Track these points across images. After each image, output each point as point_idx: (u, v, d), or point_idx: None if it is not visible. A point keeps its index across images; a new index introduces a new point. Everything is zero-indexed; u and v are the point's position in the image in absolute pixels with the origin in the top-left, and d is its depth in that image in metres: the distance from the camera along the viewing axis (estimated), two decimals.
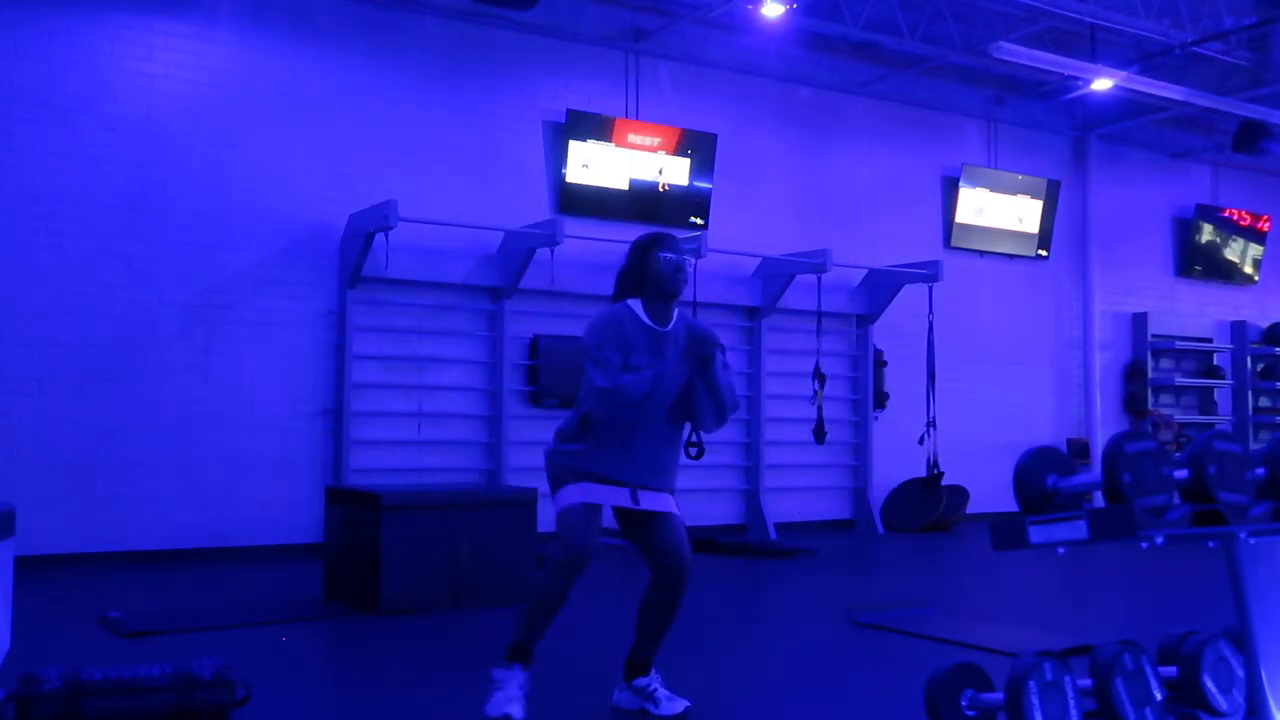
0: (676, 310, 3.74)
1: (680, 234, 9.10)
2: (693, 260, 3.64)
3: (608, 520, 3.75)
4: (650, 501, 3.68)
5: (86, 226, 7.45)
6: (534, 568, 6.05)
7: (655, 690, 3.67)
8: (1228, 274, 13.12)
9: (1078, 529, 2.52)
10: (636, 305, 3.69)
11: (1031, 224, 11.55)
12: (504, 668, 3.55)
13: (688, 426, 3.83)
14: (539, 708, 3.84)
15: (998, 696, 2.89)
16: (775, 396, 9.79)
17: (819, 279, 9.48)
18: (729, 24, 9.39)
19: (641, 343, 3.62)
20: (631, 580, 7.66)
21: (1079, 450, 11.47)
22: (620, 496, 3.65)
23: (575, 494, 3.61)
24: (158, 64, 7.73)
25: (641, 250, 3.68)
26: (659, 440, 3.70)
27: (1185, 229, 12.81)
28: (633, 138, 9.25)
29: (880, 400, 10.32)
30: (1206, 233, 12.85)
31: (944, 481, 10.11)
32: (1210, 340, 12.89)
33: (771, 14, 8.66)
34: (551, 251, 8.18)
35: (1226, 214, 13.00)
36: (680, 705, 3.64)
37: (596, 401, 3.57)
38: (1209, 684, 2.98)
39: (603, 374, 3.53)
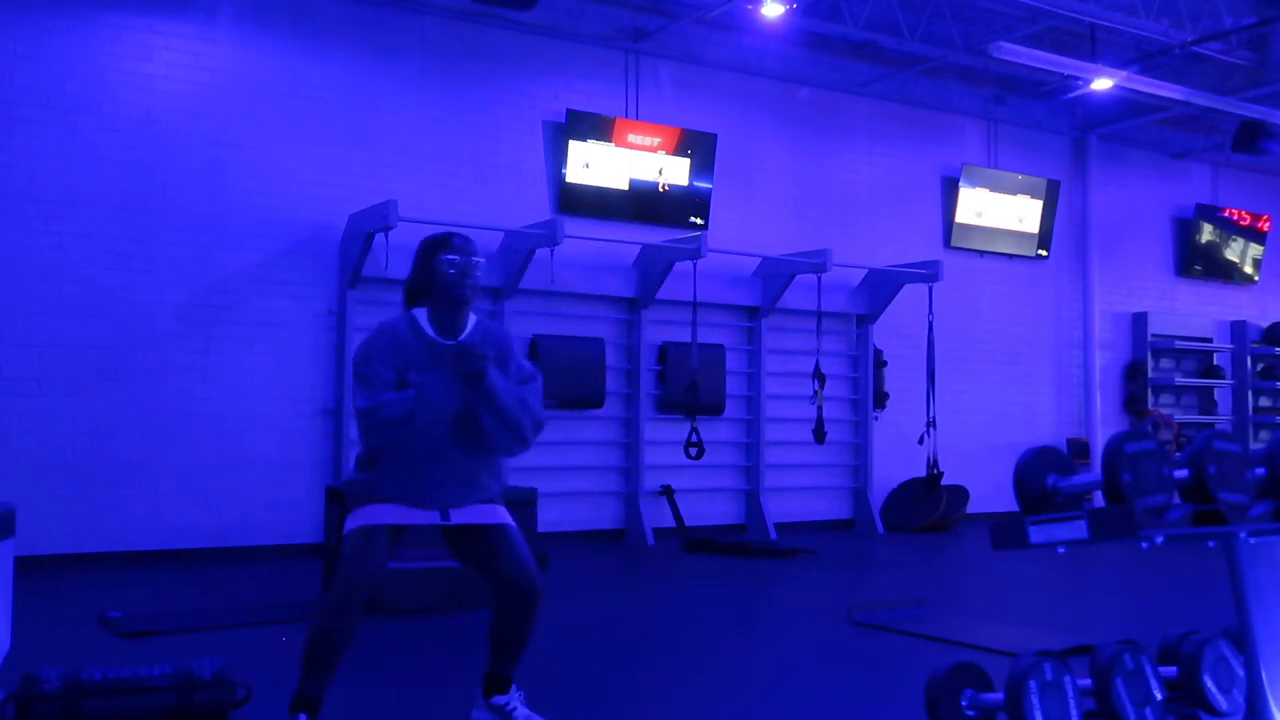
0: (473, 319, 3.39)
1: (680, 234, 9.12)
2: (479, 261, 3.35)
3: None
4: (467, 515, 3.29)
5: (86, 226, 7.45)
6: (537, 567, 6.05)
7: (514, 709, 3.38)
8: (1228, 274, 13.12)
9: (1078, 529, 2.52)
10: (421, 315, 3.34)
11: (1031, 224, 11.55)
12: None
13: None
14: (540, 706, 3.85)
15: (998, 696, 2.89)
16: (775, 396, 9.79)
17: (819, 279, 9.49)
18: (729, 24, 9.38)
19: (422, 357, 3.26)
20: (632, 580, 7.67)
21: (1079, 450, 11.47)
22: (426, 516, 3.25)
23: (359, 518, 3.22)
24: (158, 64, 7.73)
25: (425, 252, 3.33)
26: (452, 463, 3.28)
27: (1185, 229, 12.81)
28: (633, 138, 9.25)
29: (880, 400, 10.32)
30: (1206, 233, 12.85)
31: (944, 481, 10.10)
32: (1210, 340, 12.88)
33: (771, 14, 8.66)
34: (551, 251, 8.18)
35: (1226, 214, 13.00)
36: None
37: (361, 424, 3.22)
38: (1209, 684, 2.98)
39: (365, 393, 3.18)
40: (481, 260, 3.35)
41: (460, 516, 3.28)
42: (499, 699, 3.38)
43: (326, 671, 3.15)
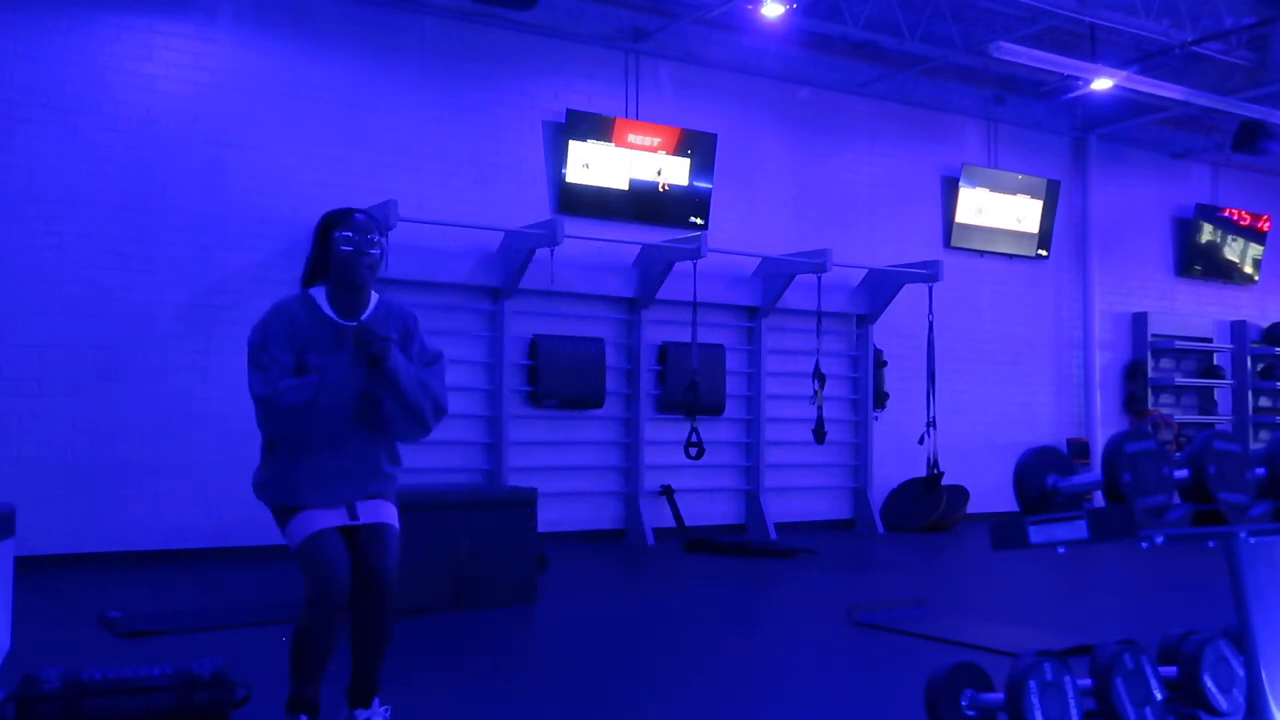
0: (375, 298, 3.24)
1: (680, 234, 9.12)
2: (380, 240, 3.18)
3: None
4: (368, 514, 3.20)
5: (86, 226, 7.45)
6: (535, 567, 6.06)
7: None
8: (1228, 274, 13.12)
9: (1078, 529, 2.52)
10: (320, 294, 3.18)
11: (1031, 224, 11.55)
12: None
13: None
14: (536, 706, 3.85)
15: (998, 696, 2.89)
16: (775, 396, 9.79)
17: (819, 279, 9.49)
18: (729, 24, 9.38)
19: (321, 339, 3.12)
20: (632, 580, 7.67)
21: (1079, 450, 11.48)
22: (338, 516, 3.16)
23: (303, 526, 3.11)
24: (158, 64, 7.73)
25: (322, 229, 3.16)
26: (354, 448, 3.18)
27: (1185, 229, 12.81)
28: (633, 138, 9.25)
29: (880, 400, 10.32)
30: (1206, 232, 12.85)
31: (944, 481, 10.10)
32: (1210, 340, 12.89)
33: (771, 14, 8.66)
34: (551, 251, 8.18)
35: (1226, 214, 13.00)
36: None
37: (259, 412, 3.08)
38: (1209, 684, 2.98)
39: (260, 379, 3.05)
40: (381, 239, 3.16)
41: (365, 515, 3.19)
42: (362, 713, 3.22)
43: (317, 674, 3.14)
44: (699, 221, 9.54)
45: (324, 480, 3.14)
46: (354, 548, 3.15)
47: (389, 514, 3.24)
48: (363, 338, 3.01)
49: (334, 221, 3.15)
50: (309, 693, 3.13)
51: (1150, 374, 12.29)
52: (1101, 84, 9.91)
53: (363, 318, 3.17)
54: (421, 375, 3.16)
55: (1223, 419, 12.90)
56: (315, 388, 3.03)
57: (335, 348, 3.10)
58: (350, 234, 3.11)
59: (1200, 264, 12.88)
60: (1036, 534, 2.62)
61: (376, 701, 3.23)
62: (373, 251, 3.13)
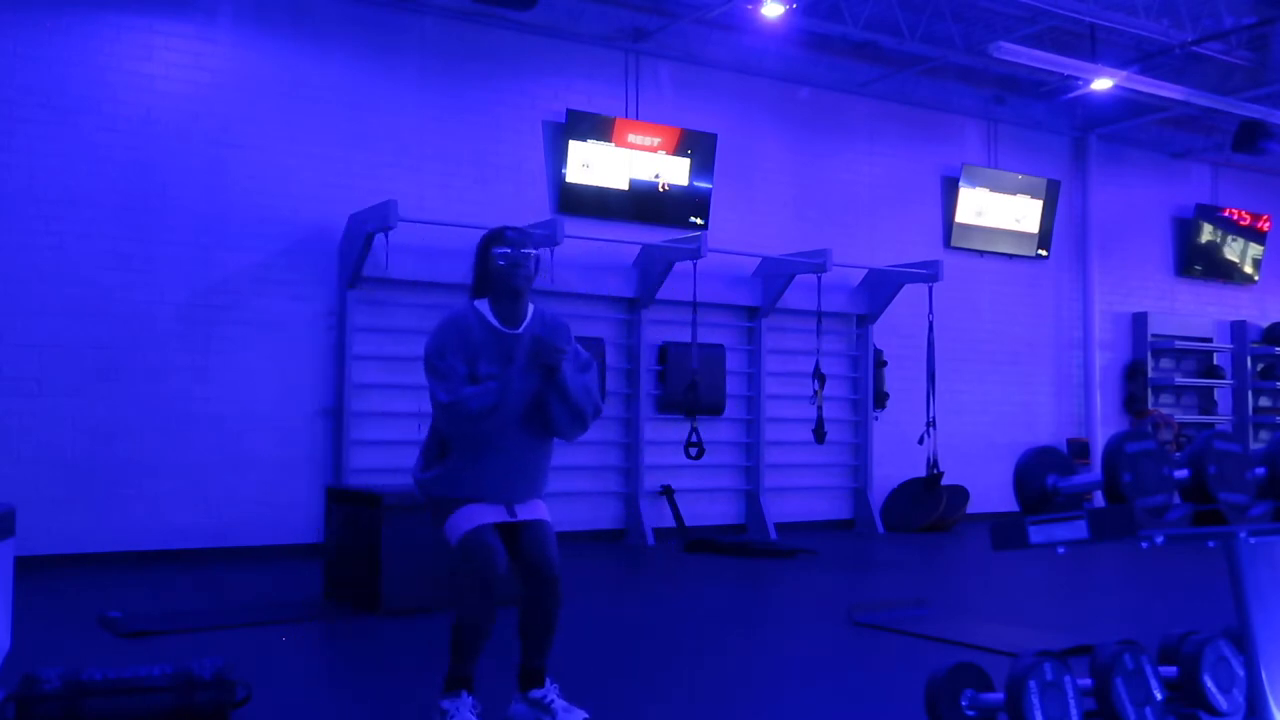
0: (531, 308, 3.53)
1: (680, 234, 9.12)
2: (534, 253, 3.46)
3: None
4: (525, 511, 3.50)
5: (86, 226, 7.45)
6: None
7: (551, 701, 3.48)
8: (1228, 274, 13.12)
9: (1078, 529, 2.52)
10: (484, 306, 3.48)
11: (1031, 224, 11.55)
12: (450, 698, 3.38)
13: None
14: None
15: (998, 696, 2.89)
16: (775, 396, 9.79)
17: (819, 279, 9.49)
18: (729, 24, 9.38)
19: (489, 348, 3.41)
20: (632, 580, 7.67)
21: (1079, 450, 11.48)
22: (498, 512, 3.44)
23: (464, 521, 3.37)
24: (158, 64, 7.73)
25: (482, 248, 3.49)
26: (522, 450, 3.47)
27: (1185, 229, 12.81)
28: (633, 138, 9.25)
29: (880, 400, 10.32)
30: (1206, 232, 12.85)
31: (944, 481, 10.10)
32: (1210, 340, 12.89)
33: (771, 14, 8.66)
34: (551, 251, 8.18)
35: (1226, 214, 13.00)
36: (579, 716, 3.46)
37: (441, 417, 3.37)
38: (1209, 684, 2.98)
39: (444, 387, 3.33)
40: (534, 252, 3.47)
41: (523, 513, 3.48)
42: (536, 692, 3.49)
43: (474, 654, 3.38)
44: (699, 221, 9.54)
45: (492, 479, 3.41)
46: (515, 544, 3.43)
47: (543, 510, 3.54)
48: (539, 350, 3.34)
49: (491, 239, 3.48)
50: (465, 669, 3.39)
51: (1150, 374, 12.29)
52: (1101, 84, 9.91)
53: (523, 325, 3.47)
54: (585, 380, 3.48)
55: (1223, 419, 12.90)
56: (497, 394, 3.32)
57: (502, 355, 3.40)
58: (506, 249, 3.43)
59: (1200, 264, 12.88)
60: (1036, 534, 2.62)
61: (548, 681, 3.51)
62: (528, 264, 3.44)
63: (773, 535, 9.31)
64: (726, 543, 8.52)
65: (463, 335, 3.40)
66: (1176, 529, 2.53)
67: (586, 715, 3.48)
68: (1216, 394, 12.99)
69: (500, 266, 3.42)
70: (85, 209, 7.46)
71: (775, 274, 9.60)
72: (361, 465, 8.04)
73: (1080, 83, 10.26)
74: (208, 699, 3.43)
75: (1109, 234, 12.17)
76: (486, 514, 3.40)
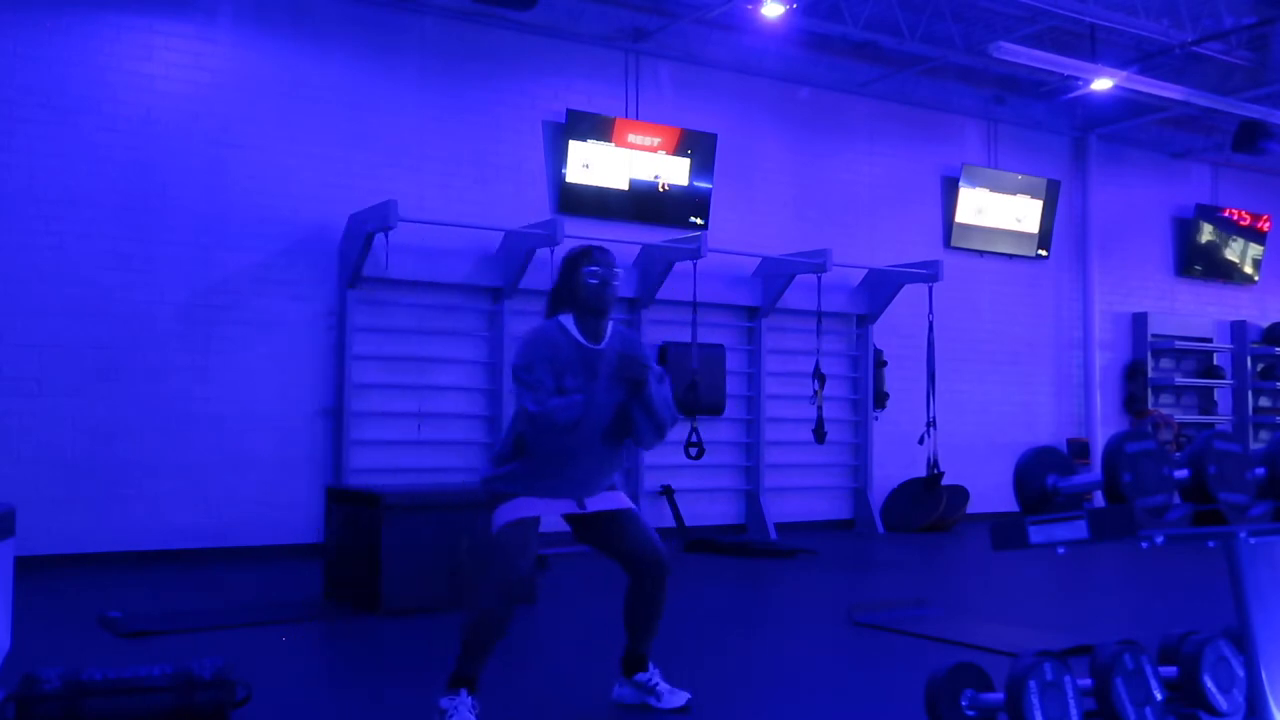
0: (610, 325, 3.67)
1: (680, 234, 9.12)
2: (619, 273, 3.62)
3: (554, 527, 3.73)
4: (598, 503, 3.62)
5: (86, 226, 7.45)
6: (536, 568, 6.05)
7: (656, 684, 3.67)
8: (1228, 274, 13.12)
9: (1078, 529, 2.52)
10: (569, 321, 3.61)
11: (1031, 224, 11.55)
12: (450, 696, 3.40)
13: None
14: (537, 707, 3.85)
15: (998, 696, 2.89)
16: (775, 396, 9.79)
17: (819, 279, 9.49)
18: (729, 24, 9.38)
19: (574, 362, 3.54)
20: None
21: (1079, 450, 11.48)
22: (564, 505, 3.57)
23: (511, 511, 3.50)
24: (158, 64, 7.73)
25: (569, 266, 3.62)
26: (597, 459, 3.61)
27: (1185, 229, 12.81)
28: (633, 138, 9.25)
29: (880, 400, 10.32)
30: (1206, 233, 12.85)
31: (944, 481, 10.11)
32: (1210, 340, 12.88)
33: (771, 14, 8.66)
34: (551, 252, 8.18)
35: (1226, 214, 13.00)
36: (682, 698, 3.64)
37: (527, 425, 3.50)
38: (1209, 684, 2.98)
39: (532, 397, 3.45)
40: (620, 271, 3.64)
41: (595, 504, 3.60)
42: (640, 675, 3.68)
43: (484, 654, 3.42)
44: (699, 221, 9.54)
45: (563, 481, 3.55)
46: (602, 536, 3.63)
47: (626, 499, 3.71)
48: (626, 365, 3.51)
49: (581, 258, 3.61)
50: (475, 670, 3.43)
51: (1150, 374, 12.29)
52: (1101, 84, 9.91)
53: (605, 341, 3.61)
54: (664, 393, 3.62)
55: (1223, 419, 12.90)
56: (581, 407, 3.45)
57: (586, 370, 3.54)
58: (597, 269, 3.57)
59: (1200, 264, 12.88)
60: (1036, 534, 2.62)
61: (651, 665, 3.71)
62: (615, 283, 3.60)
63: (773, 535, 9.31)
64: (726, 543, 8.52)
65: (551, 349, 3.52)
66: (1176, 529, 2.52)
67: (689, 696, 3.65)
68: (1216, 394, 12.99)
69: (591, 285, 3.56)
70: (85, 209, 7.46)
71: (775, 274, 9.60)
72: (361, 465, 8.04)
73: (1080, 83, 10.26)
74: (208, 699, 3.43)
75: (1109, 234, 12.17)
76: (540, 507, 3.51)
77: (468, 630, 3.41)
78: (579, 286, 3.57)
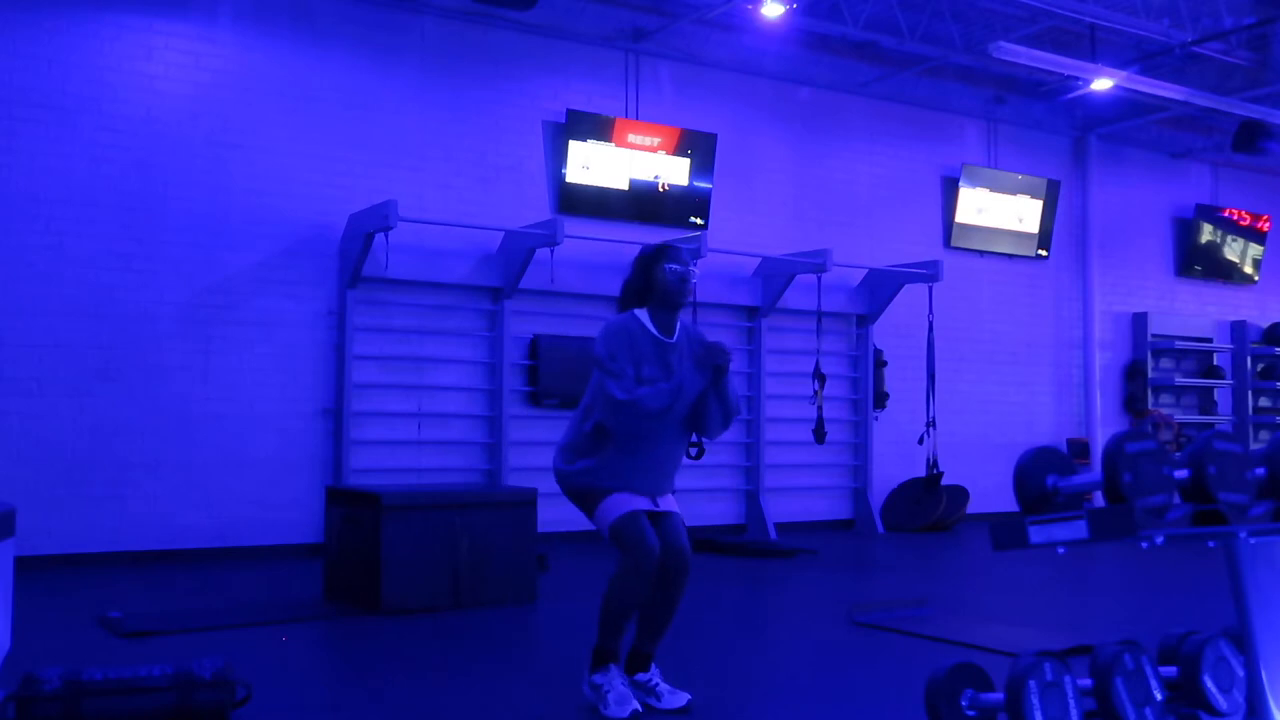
0: (679, 320, 3.80)
1: (680, 234, 9.13)
2: (695, 270, 3.79)
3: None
4: (664, 503, 3.79)
5: (86, 226, 7.45)
6: (535, 567, 6.06)
7: (656, 684, 3.70)
8: (1228, 274, 13.12)
9: (1078, 529, 2.52)
10: (644, 315, 3.73)
11: (1031, 224, 11.55)
12: (601, 672, 3.62)
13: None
14: (537, 707, 3.85)
15: (998, 696, 2.89)
16: (775, 396, 9.79)
17: (819, 279, 9.49)
18: (729, 24, 9.38)
19: (650, 354, 3.68)
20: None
21: (1079, 450, 11.48)
22: (645, 502, 3.72)
23: (619, 506, 3.65)
24: (158, 64, 7.73)
25: (646, 262, 3.74)
26: (670, 447, 3.78)
27: (1185, 229, 12.81)
28: (633, 138, 9.25)
29: (880, 400, 10.32)
30: (1206, 233, 12.85)
31: (944, 481, 10.11)
32: (1210, 340, 12.89)
33: (771, 14, 8.66)
34: (551, 251, 8.18)
35: (1226, 214, 13.00)
36: (682, 699, 3.67)
37: (612, 413, 3.61)
38: (1209, 684, 2.98)
39: (619, 386, 3.57)
40: (695, 269, 3.78)
41: (663, 504, 3.76)
42: (641, 675, 3.71)
43: (622, 631, 3.64)
44: (699, 221, 9.54)
45: (643, 473, 3.70)
46: (658, 533, 3.67)
47: (675, 503, 3.86)
48: (711, 352, 3.69)
49: (660, 255, 3.73)
50: (615, 644, 3.64)
51: (1150, 374, 12.29)
52: (1101, 84, 9.91)
53: (676, 335, 3.75)
54: (733, 385, 3.82)
55: (1223, 419, 12.90)
56: (670, 395, 3.59)
57: (661, 361, 3.68)
58: (676, 266, 3.70)
59: (1200, 264, 12.88)
60: (1036, 534, 2.62)
61: (653, 666, 3.76)
62: (692, 279, 3.73)
63: (773, 535, 9.31)
64: (726, 543, 8.52)
65: (630, 341, 3.65)
66: (1176, 529, 2.52)
67: (689, 697, 3.67)
68: (1216, 394, 12.99)
69: (670, 281, 3.68)
70: (85, 209, 7.46)
71: (775, 274, 9.60)
72: (361, 465, 8.04)
73: (1080, 83, 10.26)
74: (208, 699, 3.43)
75: (1109, 234, 12.17)
76: (636, 502, 3.65)
77: (606, 612, 3.61)
78: (658, 281, 3.69)
